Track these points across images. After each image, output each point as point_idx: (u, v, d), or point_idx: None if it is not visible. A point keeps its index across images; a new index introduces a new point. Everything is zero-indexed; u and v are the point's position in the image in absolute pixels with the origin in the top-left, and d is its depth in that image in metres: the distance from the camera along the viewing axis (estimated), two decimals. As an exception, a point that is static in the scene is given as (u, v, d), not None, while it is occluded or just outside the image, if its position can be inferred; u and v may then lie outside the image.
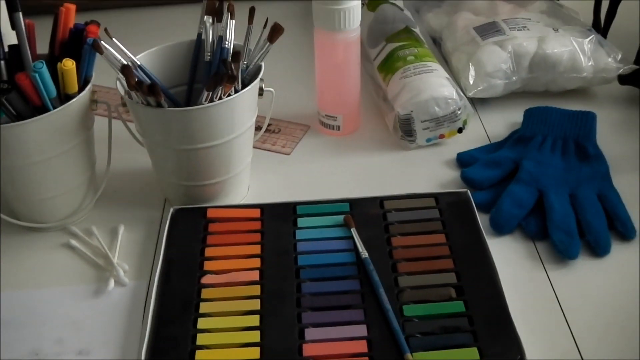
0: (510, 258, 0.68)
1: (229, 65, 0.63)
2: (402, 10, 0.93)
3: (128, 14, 1.03)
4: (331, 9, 0.75)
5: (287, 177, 0.78)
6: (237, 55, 0.64)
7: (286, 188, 0.76)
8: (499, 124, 0.84)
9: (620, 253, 0.68)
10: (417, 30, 0.90)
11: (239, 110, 0.68)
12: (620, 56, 0.86)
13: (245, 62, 0.70)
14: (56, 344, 0.62)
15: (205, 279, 0.65)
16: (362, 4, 0.93)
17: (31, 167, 0.68)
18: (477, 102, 0.87)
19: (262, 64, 0.70)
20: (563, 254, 0.67)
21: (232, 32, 0.71)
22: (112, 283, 0.66)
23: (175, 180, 0.72)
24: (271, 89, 0.72)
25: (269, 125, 0.83)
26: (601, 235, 0.68)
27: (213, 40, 0.72)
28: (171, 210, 0.71)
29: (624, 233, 0.69)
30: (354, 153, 0.81)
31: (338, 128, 0.82)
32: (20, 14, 0.70)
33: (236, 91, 0.66)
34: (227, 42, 0.71)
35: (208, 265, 0.66)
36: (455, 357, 0.57)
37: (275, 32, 0.68)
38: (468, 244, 0.67)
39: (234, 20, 0.71)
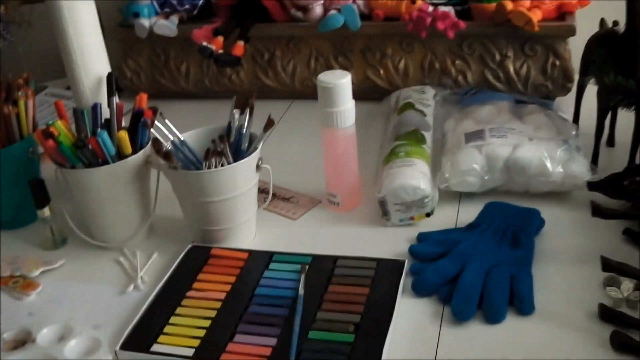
0: (417, 313, 0.85)
1: (219, 143, 0.90)
2: (424, 115, 1.14)
3: (185, 102, 1.36)
4: (330, 111, 0.99)
5: (287, 235, 1.02)
6: (222, 137, 0.91)
7: (282, 241, 1.00)
8: (473, 214, 1.01)
9: (513, 324, 0.82)
10: (428, 133, 1.11)
11: (236, 177, 0.93)
12: (591, 166, 1.00)
13: (246, 143, 0.96)
14: (83, 317, 0.90)
15: (190, 293, 0.91)
16: (394, 111, 1.17)
17: (99, 201, 0.98)
18: (464, 195, 1.05)
19: (259, 146, 0.96)
20: (456, 316, 0.84)
21: (247, 123, 0.97)
22: (131, 287, 0.95)
23: (194, 224, 0.99)
24: (267, 166, 0.98)
25: (291, 197, 1.08)
26: (493, 307, 0.84)
27: (238, 127, 0.99)
28: (189, 245, 0.98)
29: (519, 309, 0.84)
30: (343, 224, 1.03)
31: (338, 204, 1.05)
32: (114, 98, 1.02)
33: (229, 163, 0.93)
34: (244, 129, 0.97)
35: (195, 285, 0.92)
36: (325, 370, 0.78)
37: (268, 124, 0.94)
38: (383, 298, 0.86)
39: (250, 115, 0.97)
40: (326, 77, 0.98)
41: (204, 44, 1.24)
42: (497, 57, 1.25)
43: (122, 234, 1.02)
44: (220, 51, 1.25)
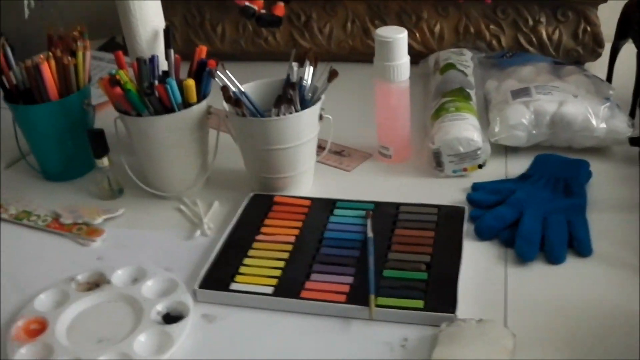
0: (481, 255, 0.89)
1: (288, 90, 0.92)
2: (466, 75, 1.18)
3: (251, 63, 1.39)
4: (387, 65, 1.02)
5: (342, 185, 1.05)
6: (293, 85, 0.94)
7: (339, 191, 1.03)
8: (521, 167, 1.05)
9: (572, 266, 0.86)
10: (472, 91, 1.14)
11: (300, 125, 0.96)
12: (632, 122, 1.05)
13: (310, 94, 0.99)
14: (153, 262, 0.92)
15: (259, 237, 0.93)
16: (435, 71, 1.20)
17: (161, 150, 1.00)
18: (510, 149, 1.09)
19: (323, 96, 0.99)
20: (520, 256, 0.88)
21: (309, 74, 1.00)
22: (198, 232, 0.97)
23: (256, 172, 1.02)
24: (329, 116, 1.01)
25: (342, 150, 1.12)
26: (555, 248, 0.88)
27: (297, 79, 1.01)
28: (251, 194, 1.01)
29: (579, 250, 0.88)
30: (397, 175, 1.07)
31: (390, 157, 1.09)
32: (172, 50, 1.04)
33: (297, 111, 0.96)
34: (304, 81, 1.00)
35: (263, 230, 0.95)
36: (405, 304, 0.81)
37: (332, 75, 0.97)
38: (449, 241, 0.90)
39: (312, 67, 1.00)
40: (384, 32, 1.01)
41: (246, 3, 1.26)
42: (530, 22, 1.29)
43: (181, 183, 1.04)
44: (262, 11, 1.27)
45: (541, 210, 0.94)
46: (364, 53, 1.35)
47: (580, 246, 0.89)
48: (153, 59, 1.02)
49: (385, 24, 1.34)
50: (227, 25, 1.41)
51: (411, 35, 1.34)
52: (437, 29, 1.33)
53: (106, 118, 1.09)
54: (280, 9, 1.26)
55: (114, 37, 1.60)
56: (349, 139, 1.14)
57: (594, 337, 0.76)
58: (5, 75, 1.07)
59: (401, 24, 1.33)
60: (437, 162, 1.04)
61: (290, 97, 0.93)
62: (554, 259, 0.87)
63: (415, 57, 1.30)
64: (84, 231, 0.99)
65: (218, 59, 1.00)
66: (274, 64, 1.31)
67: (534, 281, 0.85)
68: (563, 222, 0.91)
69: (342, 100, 1.09)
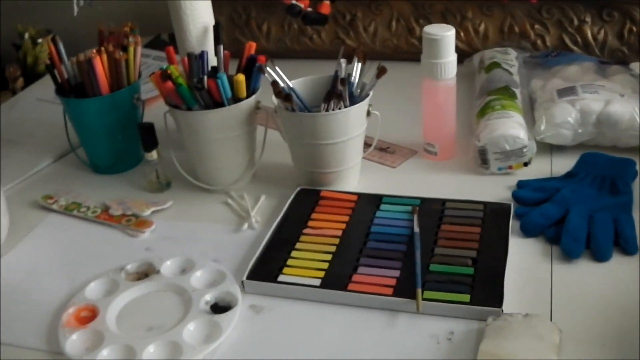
0: (527, 252, 0.89)
1: (338, 86, 0.93)
2: (511, 74, 1.18)
3: (296, 61, 1.39)
4: (434, 62, 1.03)
5: (388, 181, 1.06)
6: (343, 80, 0.95)
7: (385, 187, 1.04)
8: (565, 166, 1.05)
9: (619, 264, 0.86)
10: (517, 90, 1.15)
11: (349, 121, 0.97)
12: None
13: (358, 90, 1.00)
14: (200, 254, 0.94)
15: (306, 231, 0.95)
16: (480, 70, 1.21)
17: (210, 144, 1.02)
18: (555, 148, 1.09)
19: (371, 92, 1.00)
20: (566, 253, 0.88)
21: (357, 71, 1.01)
22: (245, 226, 0.98)
23: (303, 167, 1.03)
24: (377, 112, 1.02)
25: (387, 147, 1.12)
26: (601, 245, 0.88)
27: (345, 76, 1.02)
28: (297, 188, 1.02)
29: (625, 248, 0.88)
30: (443, 172, 1.07)
31: (436, 154, 1.09)
32: (221, 46, 1.06)
33: (346, 107, 0.97)
34: (353, 77, 1.01)
35: (310, 224, 0.96)
36: (452, 298, 0.81)
37: (381, 71, 0.98)
38: (495, 237, 0.90)
39: (360, 63, 1.01)
40: (432, 30, 1.02)
41: (293, 1, 1.27)
42: (575, 22, 1.29)
43: (229, 177, 1.05)
44: (309, 9, 1.28)
45: (587, 208, 0.93)
46: (408, 52, 1.36)
47: (627, 244, 0.88)
48: (203, 55, 1.03)
49: (430, 23, 1.34)
50: (273, 24, 1.43)
51: (456, 35, 1.33)
52: (481, 28, 1.34)
53: (154, 113, 1.11)
54: (326, 7, 1.27)
55: (159, 35, 1.63)
56: (394, 136, 1.16)
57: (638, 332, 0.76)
58: (57, 70, 1.09)
59: (445, 23, 1.33)
60: (482, 159, 1.04)
61: (340, 92, 0.94)
62: (600, 256, 0.87)
63: (460, 56, 1.30)
64: (133, 222, 1.01)
65: (267, 55, 1.02)
66: (318, 62, 1.33)
67: (579, 278, 0.85)
68: (609, 220, 0.91)
69: (388, 98, 1.10)
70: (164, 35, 1.61)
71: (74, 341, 0.81)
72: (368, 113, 1.00)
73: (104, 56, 1.07)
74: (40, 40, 1.65)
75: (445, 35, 1.01)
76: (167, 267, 0.91)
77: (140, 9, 1.68)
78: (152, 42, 1.60)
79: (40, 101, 1.42)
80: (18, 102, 1.47)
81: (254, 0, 1.41)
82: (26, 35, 1.68)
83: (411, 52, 1.37)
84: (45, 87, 1.44)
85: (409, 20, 1.37)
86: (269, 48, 1.44)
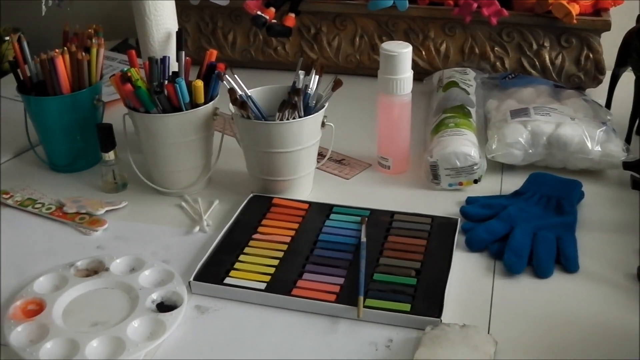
0: (470, 266, 0.92)
1: (293, 96, 0.95)
2: (468, 94, 1.21)
3: (259, 71, 1.43)
4: (391, 78, 1.05)
5: (340, 192, 1.08)
6: (298, 91, 0.97)
7: (337, 197, 1.05)
8: (515, 185, 1.07)
9: (559, 281, 0.88)
10: (472, 109, 1.17)
11: (303, 131, 0.99)
12: (627, 147, 1.07)
13: (314, 101, 1.02)
14: (151, 254, 0.95)
15: (255, 236, 0.96)
16: (438, 88, 1.23)
17: (167, 147, 1.03)
18: (505, 167, 1.11)
19: (326, 104, 1.02)
20: (508, 269, 0.90)
21: (314, 82, 1.03)
22: (197, 229, 1.00)
23: (257, 174, 1.04)
24: (331, 124, 1.04)
25: (342, 159, 1.14)
26: (543, 262, 0.90)
27: (302, 87, 1.04)
28: (251, 194, 1.04)
29: (566, 266, 0.90)
30: (395, 185, 1.09)
31: (389, 167, 1.11)
32: (183, 52, 1.07)
33: (300, 117, 0.99)
34: (309, 89, 1.03)
35: (260, 229, 0.97)
36: (393, 306, 0.83)
37: (336, 84, 1.00)
38: (439, 250, 0.92)
39: (318, 76, 1.03)
40: (389, 46, 1.04)
41: (258, 12, 1.29)
42: (534, 46, 1.33)
43: (184, 181, 1.07)
44: (274, 21, 1.30)
45: (532, 226, 0.96)
46: (371, 68, 1.39)
47: (568, 262, 0.91)
48: (164, 60, 1.05)
49: (393, 40, 1.37)
50: (239, 34, 1.45)
51: (417, 53, 1.37)
52: (443, 47, 1.37)
53: (115, 116, 1.12)
54: (290, 20, 1.30)
55: (127, 39, 1.64)
56: (350, 149, 1.18)
57: (575, 350, 0.79)
58: (20, 67, 1.10)
59: (408, 41, 1.35)
60: (434, 175, 1.06)
61: (295, 102, 0.96)
62: (541, 273, 0.90)
63: (420, 74, 1.34)
64: (86, 221, 1.02)
65: (228, 64, 1.03)
66: (281, 73, 1.35)
67: (520, 293, 0.87)
68: (552, 238, 0.94)
69: (345, 111, 1.12)
70: (132, 39, 1.63)
71: (18, 333, 0.81)
72: (323, 124, 1.02)
73: (67, 56, 1.08)
74: (7, 38, 1.65)
75: (402, 52, 1.03)
76: (117, 265, 0.92)
77: (109, 12, 1.70)
78: (119, 46, 1.62)
79: (3, 98, 1.43)
80: (-19, 98, 1.47)
81: (221, 10, 1.42)
82: (-7, 33, 1.69)
83: (373, 67, 1.38)
84: (8, 84, 1.44)
85: (373, 37, 1.39)
86: (233, 58, 1.46)
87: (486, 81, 1.29)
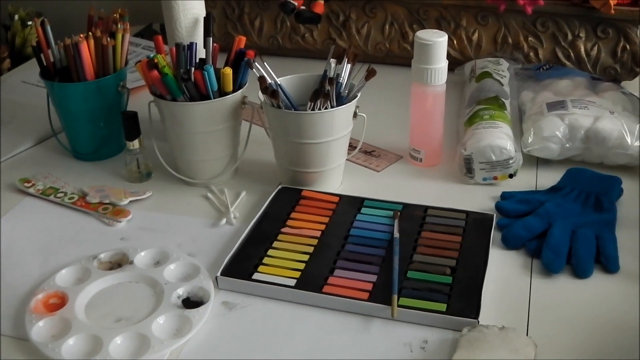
0: (507, 264, 0.88)
1: (326, 85, 0.92)
2: (502, 85, 1.17)
3: (286, 59, 1.40)
4: (424, 67, 1.02)
5: (371, 184, 1.05)
6: (331, 80, 0.93)
7: (367, 190, 1.02)
8: (551, 180, 1.04)
9: (599, 281, 0.85)
10: (507, 100, 1.14)
11: (334, 121, 0.96)
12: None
13: (346, 91, 0.98)
14: (176, 246, 0.92)
15: (284, 229, 0.93)
16: (470, 78, 1.20)
17: (193, 136, 1.00)
18: (541, 161, 1.08)
19: (359, 94, 0.99)
20: (546, 267, 0.87)
21: (346, 71, 1.00)
22: (224, 221, 0.97)
23: (286, 165, 1.01)
24: (363, 115, 1.00)
25: (372, 150, 1.11)
26: (582, 261, 0.87)
27: (335, 75, 1.01)
28: (279, 186, 1.01)
29: (606, 266, 0.87)
30: (427, 179, 1.06)
31: (421, 160, 1.08)
32: (211, 38, 1.04)
33: (332, 107, 0.95)
34: (341, 78, 1.00)
35: (289, 222, 0.94)
36: (428, 306, 0.80)
37: (370, 73, 0.97)
38: (475, 247, 0.89)
39: (350, 64, 1.00)
40: (425, 35, 1.01)
41: (286, -1, 1.26)
42: (570, 36, 1.29)
43: (210, 171, 1.04)
44: (302, 7, 1.27)
45: (570, 223, 0.93)
46: (400, 57, 1.35)
47: (608, 262, 0.87)
48: (192, 46, 1.02)
49: (424, 29, 1.34)
50: (266, 20, 1.42)
51: (449, 42, 1.32)
52: (475, 37, 1.33)
53: (140, 103, 1.09)
54: (319, 7, 1.26)
55: (151, 24, 1.61)
56: (380, 140, 1.15)
57: (615, 353, 0.75)
58: (43, 53, 1.08)
59: (440, 30, 1.32)
60: (467, 168, 1.03)
61: (327, 92, 0.93)
62: (581, 273, 0.86)
63: (452, 64, 1.29)
64: (110, 211, 1.00)
65: (258, 51, 1.00)
66: (309, 61, 1.32)
67: (558, 293, 0.84)
68: (592, 236, 0.90)
69: (376, 102, 1.09)
70: (156, 25, 1.60)
71: (40, 328, 0.79)
72: (355, 115, 0.99)
73: (91, 41, 1.06)
74: (30, 22, 1.63)
75: (437, 41, 1.00)
76: (141, 258, 0.90)
77: (133, -2, 1.67)
78: (143, 32, 1.59)
79: (25, 83, 1.40)
80: (3, 83, 1.45)
81: (248, -5, 1.39)
82: (16, 17, 1.66)
83: (403, 57, 1.36)
84: (31, 69, 1.42)
85: (403, 25, 1.36)
86: (260, 44, 1.43)
87: (520, 72, 1.25)
